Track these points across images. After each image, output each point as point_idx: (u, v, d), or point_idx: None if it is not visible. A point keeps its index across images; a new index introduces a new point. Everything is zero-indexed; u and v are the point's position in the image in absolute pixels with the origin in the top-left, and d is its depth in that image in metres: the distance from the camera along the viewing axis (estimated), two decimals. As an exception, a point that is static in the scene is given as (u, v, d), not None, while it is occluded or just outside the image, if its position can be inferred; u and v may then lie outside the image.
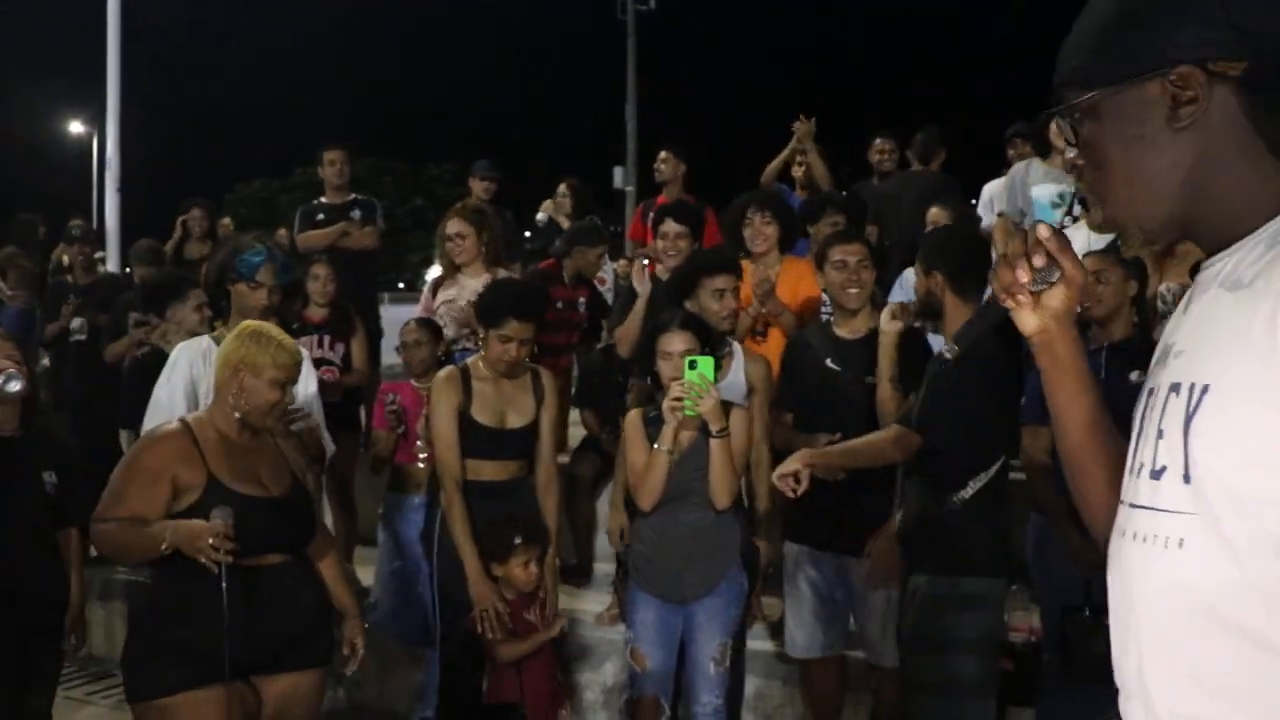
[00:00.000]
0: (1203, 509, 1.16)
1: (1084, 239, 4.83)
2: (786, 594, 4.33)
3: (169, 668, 3.22)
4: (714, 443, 3.82)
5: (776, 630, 4.87)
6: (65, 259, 8.60)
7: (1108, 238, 4.66)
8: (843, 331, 4.25)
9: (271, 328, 3.56)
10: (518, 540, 3.99)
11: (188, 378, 4.27)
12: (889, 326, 3.90)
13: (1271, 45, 1.20)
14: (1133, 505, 1.29)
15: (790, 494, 3.32)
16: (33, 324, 7.80)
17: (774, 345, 5.15)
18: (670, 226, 5.29)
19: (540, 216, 8.29)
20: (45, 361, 7.60)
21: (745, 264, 5.20)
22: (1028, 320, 1.45)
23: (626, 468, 4.06)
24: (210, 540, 3.07)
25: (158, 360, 5.27)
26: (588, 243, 6.54)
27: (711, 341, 4.01)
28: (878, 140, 7.44)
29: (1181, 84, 1.22)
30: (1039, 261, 1.40)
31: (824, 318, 4.80)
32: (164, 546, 3.12)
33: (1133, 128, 1.28)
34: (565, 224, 8.03)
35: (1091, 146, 1.33)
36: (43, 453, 4.00)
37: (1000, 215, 6.11)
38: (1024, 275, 1.41)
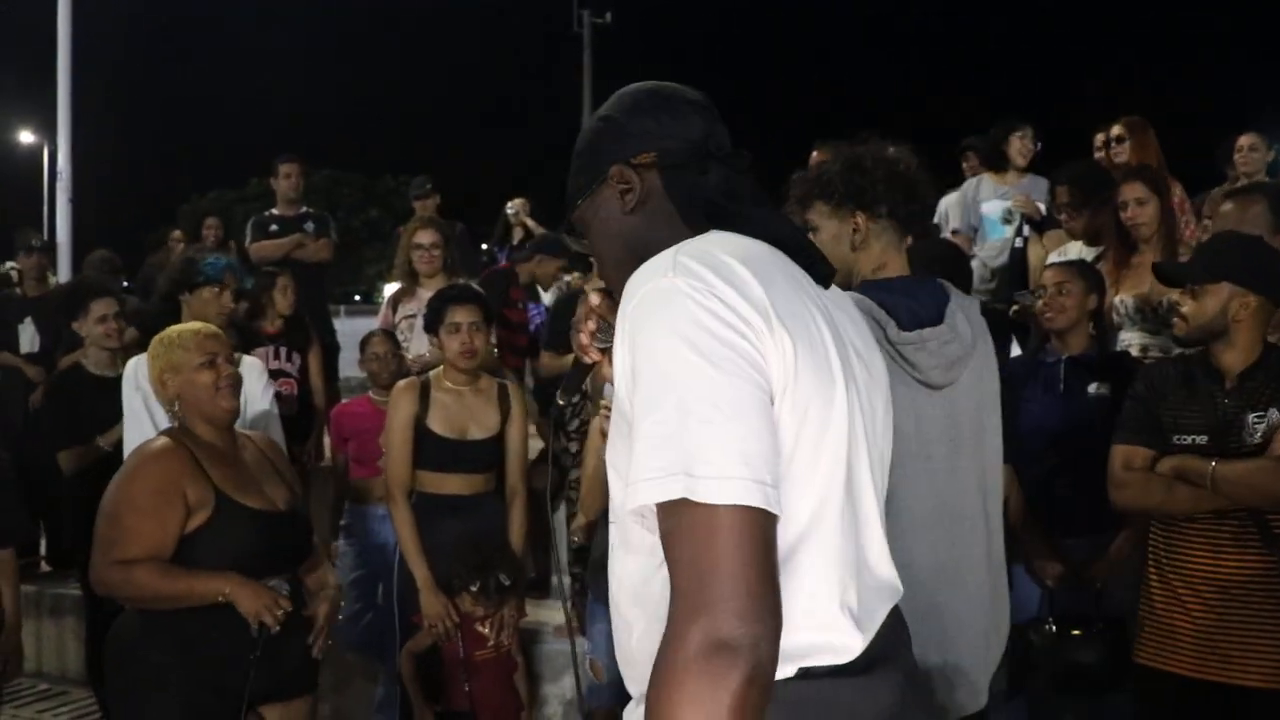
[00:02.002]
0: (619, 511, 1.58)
1: (1076, 252, 4.90)
2: None
3: (182, 704, 3.03)
4: None
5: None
6: (14, 271, 8.48)
7: (1096, 249, 4.73)
8: None
9: (171, 328, 3.40)
10: (474, 588, 3.95)
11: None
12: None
13: (669, 141, 1.61)
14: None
15: None
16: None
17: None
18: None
19: (509, 211, 8.27)
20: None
21: None
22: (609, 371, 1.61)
23: (584, 475, 4.04)
24: (268, 608, 2.99)
25: (78, 377, 5.17)
26: (551, 253, 6.53)
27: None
28: (816, 151, 7.30)
29: (620, 179, 1.62)
30: (592, 326, 1.73)
31: None
32: (222, 599, 2.98)
33: (602, 223, 1.66)
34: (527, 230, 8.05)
35: (591, 248, 1.71)
36: None
37: (955, 233, 6.15)
38: (585, 337, 1.74)
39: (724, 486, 1.24)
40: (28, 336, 7.08)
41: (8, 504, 3.86)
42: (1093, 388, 3.86)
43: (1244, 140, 6.14)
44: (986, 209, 5.95)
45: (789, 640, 1.29)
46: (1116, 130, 5.53)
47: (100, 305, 5.09)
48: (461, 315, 4.19)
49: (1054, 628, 3.56)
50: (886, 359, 1.72)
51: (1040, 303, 4.03)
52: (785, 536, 1.33)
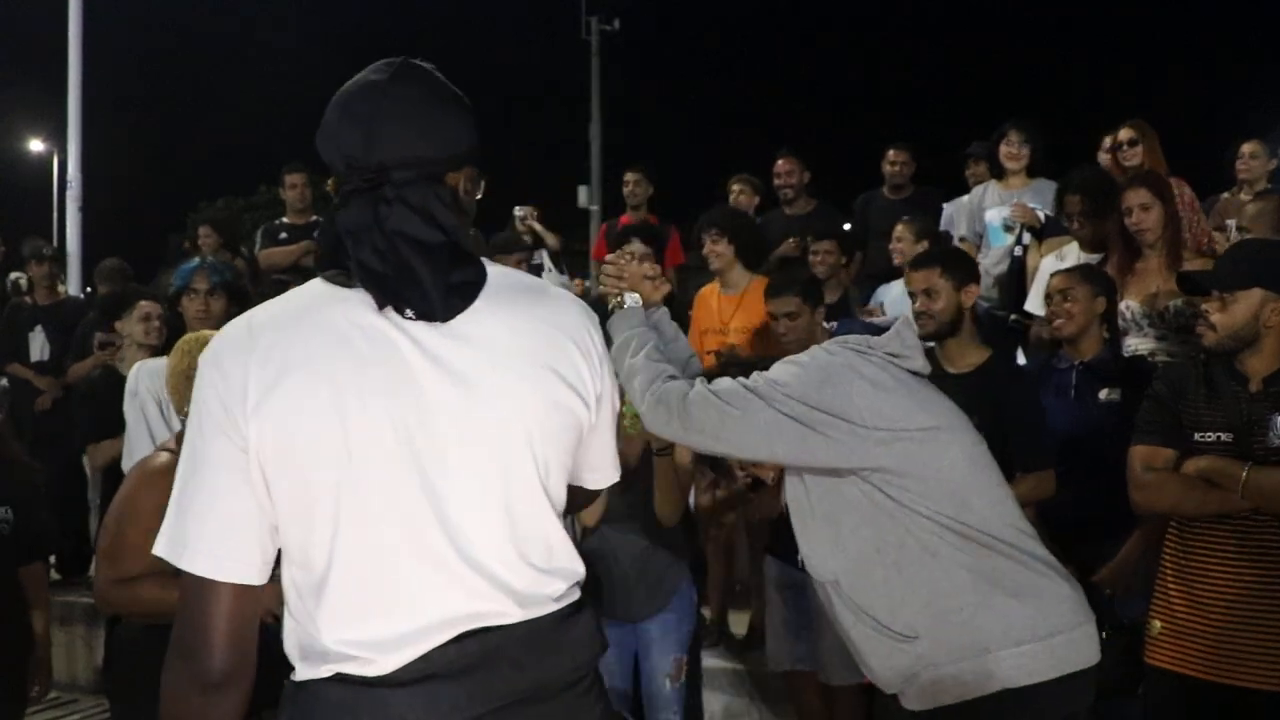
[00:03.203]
0: None
1: (1074, 257, 4.90)
2: (767, 607, 4.36)
3: None
4: (659, 460, 3.80)
5: (744, 646, 4.91)
6: (24, 280, 8.51)
7: (1096, 257, 4.74)
8: None
9: (206, 331, 3.44)
10: None
11: (157, 397, 4.24)
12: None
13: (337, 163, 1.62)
14: None
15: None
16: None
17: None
18: (636, 246, 5.34)
19: (519, 214, 8.28)
20: (3, 382, 7.53)
21: (711, 291, 5.23)
22: None
23: None
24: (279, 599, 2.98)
25: (109, 379, 5.25)
26: (504, 250, 6.50)
27: None
28: (891, 151, 7.16)
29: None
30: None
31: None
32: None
33: None
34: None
35: None
36: (1, 487, 3.76)
37: (961, 240, 6.15)
38: None
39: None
40: (38, 345, 7.12)
41: (38, 516, 3.84)
42: (1103, 394, 3.87)
43: (1246, 148, 6.15)
44: (989, 216, 5.95)
45: (329, 647, 1.55)
46: (1127, 134, 5.50)
47: (148, 304, 5.19)
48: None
49: None
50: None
51: (1048, 310, 4.04)
52: (311, 577, 1.56)
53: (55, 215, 24.81)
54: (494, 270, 1.67)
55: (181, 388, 3.23)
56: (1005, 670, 2.33)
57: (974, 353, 3.79)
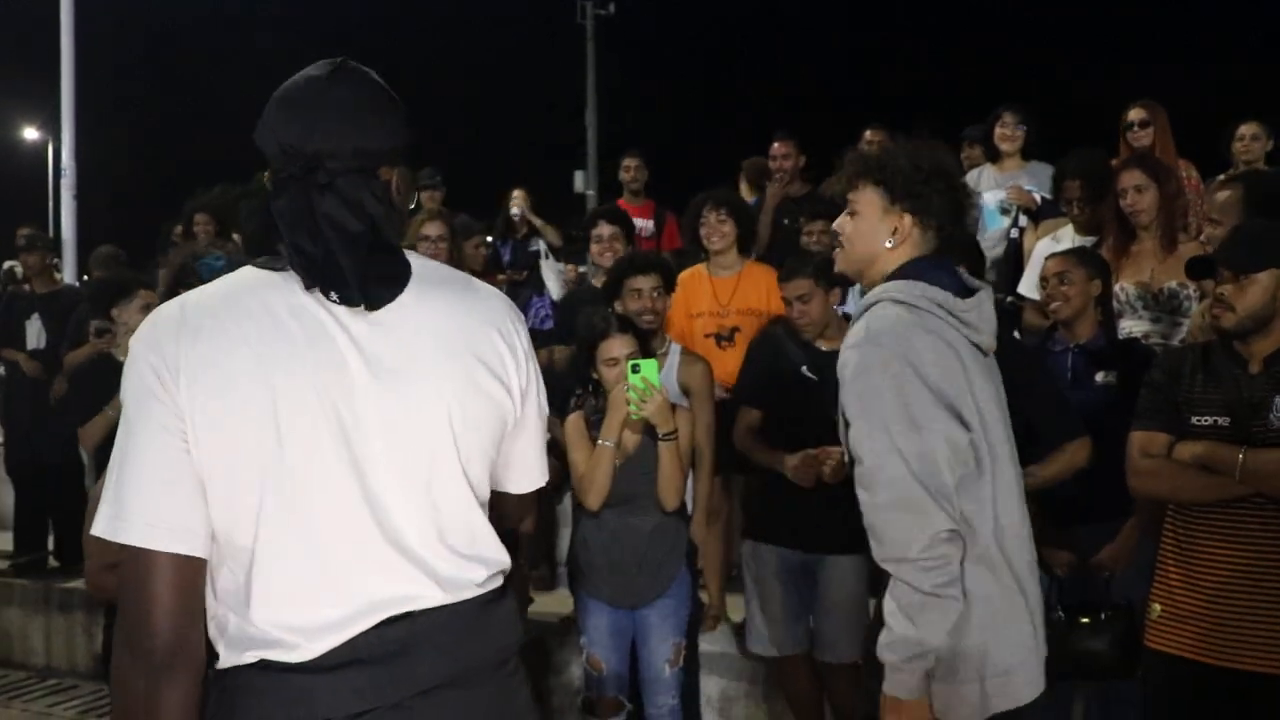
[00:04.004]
0: None
1: (1069, 239, 4.90)
2: (748, 592, 4.36)
3: None
4: (663, 446, 3.82)
5: (739, 630, 4.92)
6: (19, 268, 8.50)
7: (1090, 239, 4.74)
8: (820, 343, 4.21)
9: None
10: None
11: None
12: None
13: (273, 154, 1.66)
14: None
15: None
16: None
17: (744, 350, 5.17)
18: (604, 229, 5.37)
19: (514, 212, 8.25)
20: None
21: (701, 274, 5.20)
22: None
23: (571, 470, 4.07)
24: None
25: (105, 365, 5.24)
26: (463, 235, 6.44)
27: (648, 343, 4.03)
28: (868, 132, 7.12)
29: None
30: None
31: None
32: None
33: None
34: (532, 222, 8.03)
35: None
36: None
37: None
38: None
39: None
40: (34, 333, 7.11)
41: None
42: (1099, 376, 3.87)
43: (1244, 129, 6.14)
44: (986, 198, 5.94)
45: (257, 630, 1.56)
46: (1137, 114, 5.45)
47: (146, 294, 5.17)
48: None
49: (1063, 616, 3.55)
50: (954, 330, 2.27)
51: (1044, 294, 4.03)
52: (239, 557, 1.58)
53: (51, 204, 24.75)
54: (420, 262, 1.72)
55: None
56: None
57: None
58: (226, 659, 1.59)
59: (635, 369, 3.76)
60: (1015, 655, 2.41)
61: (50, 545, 6.57)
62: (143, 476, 1.54)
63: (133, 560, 1.52)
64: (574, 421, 4.05)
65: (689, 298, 5.23)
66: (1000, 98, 6.39)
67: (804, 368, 4.18)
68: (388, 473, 1.61)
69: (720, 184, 7.07)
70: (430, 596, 1.62)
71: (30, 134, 34.68)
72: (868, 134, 7.15)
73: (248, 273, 1.67)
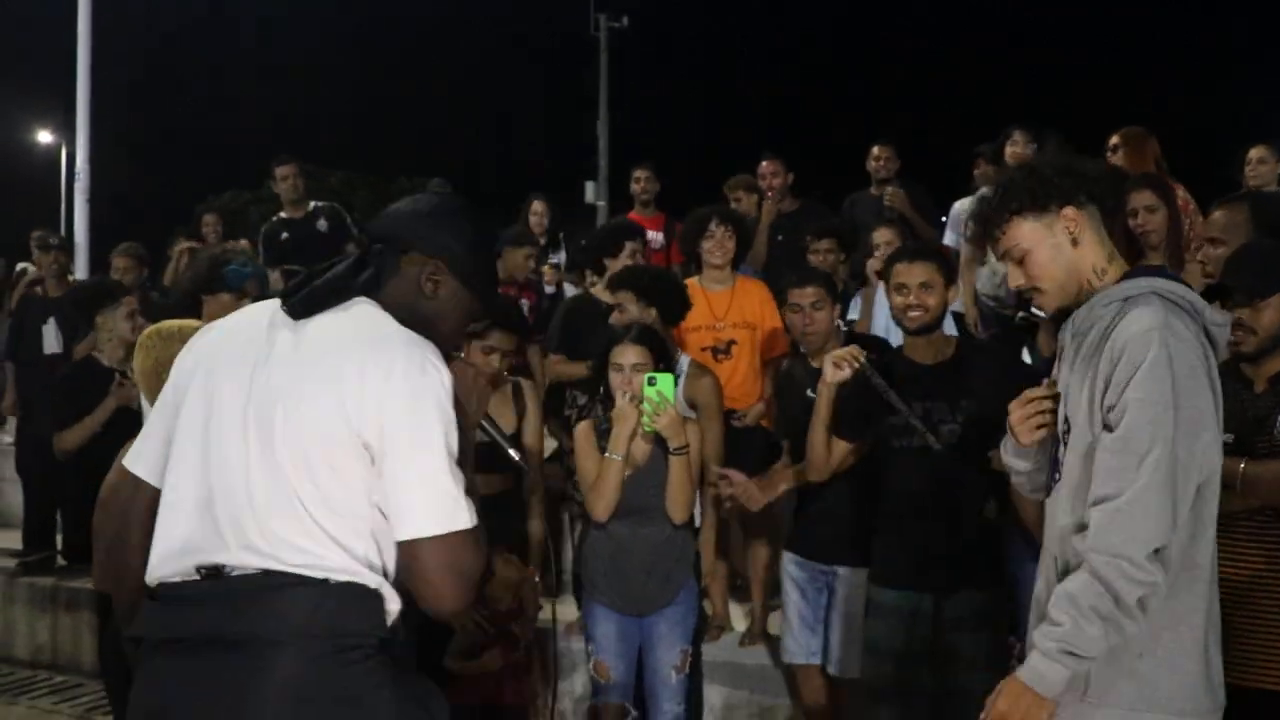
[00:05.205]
0: None
1: None
2: (785, 602, 4.39)
3: None
4: (674, 460, 3.86)
5: (744, 640, 4.94)
6: (32, 270, 8.52)
7: None
8: (817, 363, 4.23)
9: (168, 322, 3.47)
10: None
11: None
12: (833, 377, 3.70)
13: None
14: None
15: None
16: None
17: (741, 363, 5.22)
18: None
19: (533, 215, 8.29)
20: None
21: (695, 288, 5.19)
22: None
23: (580, 480, 4.09)
24: None
25: (89, 369, 5.26)
26: (514, 243, 6.47)
27: (666, 355, 4.06)
28: (875, 148, 7.29)
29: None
30: None
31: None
32: None
33: None
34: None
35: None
36: None
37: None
38: None
39: None
40: (51, 337, 7.14)
41: None
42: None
43: (1254, 153, 6.17)
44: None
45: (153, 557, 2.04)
46: (1113, 140, 5.58)
47: (130, 301, 5.20)
48: (498, 342, 4.20)
49: None
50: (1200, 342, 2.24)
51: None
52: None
53: (64, 207, 24.85)
54: (366, 313, 2.06)
55: (152, 383, 3.28)
56: None
57: (945, 345, 3.80)
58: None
59: (651, 381, 3.79)
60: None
61: (59, 544, 6.60)
62: (148, 427, 2.21)
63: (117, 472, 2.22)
64: (583, 430, 4.08)
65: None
66: (1012, 110, 6.44)
67: (808, 391, 4.22)
68: (238, 450, 1.96)
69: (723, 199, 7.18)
70: (245, 564, 1.93)
71: (45, 137, 34.83)
72: (875, 150, 7.23)
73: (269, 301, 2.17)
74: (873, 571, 3.80)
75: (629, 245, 5.61)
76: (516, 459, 2.61)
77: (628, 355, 3.93)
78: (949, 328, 4.57)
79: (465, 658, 3.99)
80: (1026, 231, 2.45)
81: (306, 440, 1.93)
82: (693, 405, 4.45)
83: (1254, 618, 2.93)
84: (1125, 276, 2.39)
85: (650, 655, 4.00)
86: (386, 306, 2.07)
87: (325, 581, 1.91)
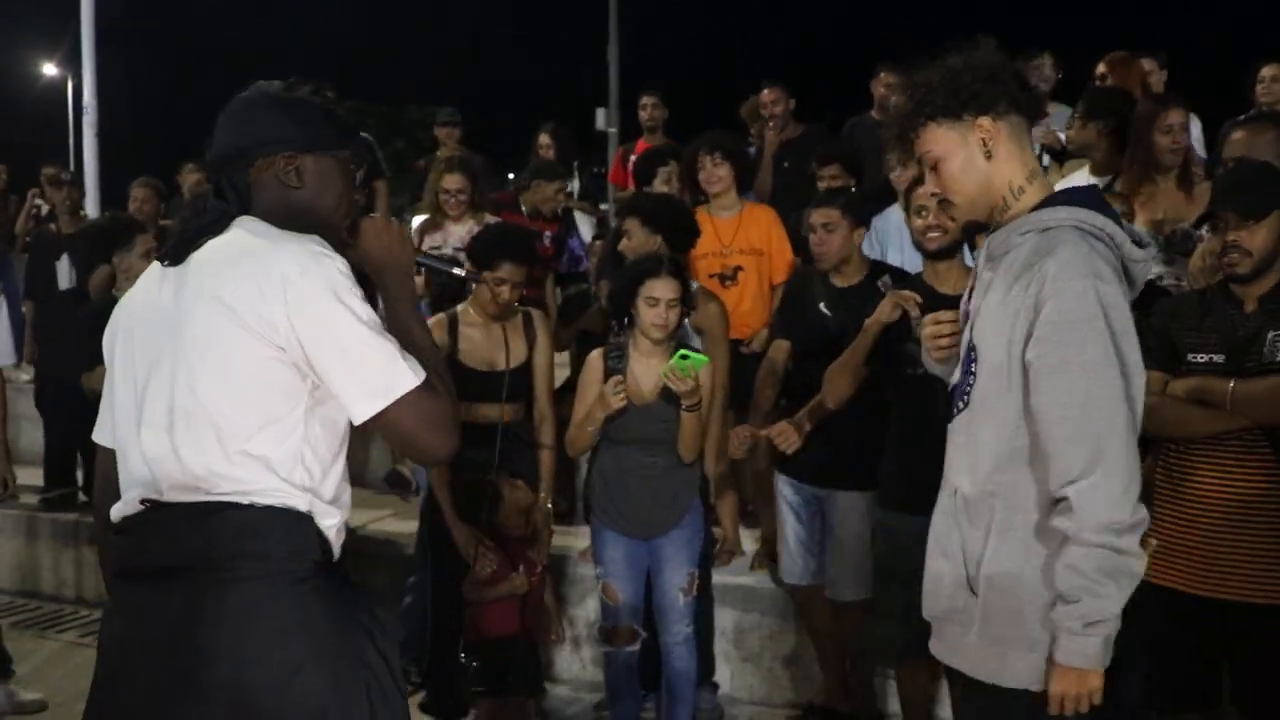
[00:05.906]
0: None
1: (1083, 179, 4.89)
2: (780, 524, 4.45)
3: None
4: (685, 415, 3.89)
5: (754, 564, 5.02)
6: (44, 206, 8.52)
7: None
8: (836, 279, 4.27)
9: None
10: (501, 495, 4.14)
11: None
12: (889, 317, 3.66)
13: None
14: None
15: None
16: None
17: (748, 289, 5.23)
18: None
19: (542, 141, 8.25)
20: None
21: (703, 216, 5.19)
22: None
23: (575, 403, 4.14)
24: None
25: (110, 309, 5.29)
26: (546, 177, 6.49)
27: (688, 287, 4.05)
28: (883, 74, 7.12)
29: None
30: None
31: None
32: None
33: None
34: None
35: None
36: None
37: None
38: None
39: None
40: (64, 273, 7.17)
41: None
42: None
43: (1267, 71, 6.07)
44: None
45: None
46: (1099, 69, 5.51)
47: (145, 239, 5.18)
48: (508, 273, 4.22)
49: None
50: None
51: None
52: None
53: (71, 141, 24.73)
54: (245, 228, 2.08)
55: None
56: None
57: (964, 275, 3.71)
58: None
59: (684, 357, 3.72)
60: None
61: (80, 480, 6.70)
62: (104, 398, 2.29)
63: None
64: (593, 359, 4.11)
65: None
66: (1020, 37, 6.34)
67: (821, 304, 4.23)
68: (154, 391, 2.05)
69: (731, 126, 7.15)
70: (171, 496, 2.01)
71: (49, 70, 34.54)
72: (882, 75, 7.12)
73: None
74: (883, 497, 3.84)
75: (661, 171, 5.64)
76: (462, 274, 2.64)
77: (664, 289, 3.89)
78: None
79: (485, 586, 4.07)
80: (940, 138, 2.34)
81: (216, 365, 1.98)
82: (699, 331, 4.47)
83: (1241, 535, 2.98)
84: (1044, 203, 2.30)
85: (658, 578, 4.07)
86: (264, 217, 2.09)
87: (251, 506, 1.98)
